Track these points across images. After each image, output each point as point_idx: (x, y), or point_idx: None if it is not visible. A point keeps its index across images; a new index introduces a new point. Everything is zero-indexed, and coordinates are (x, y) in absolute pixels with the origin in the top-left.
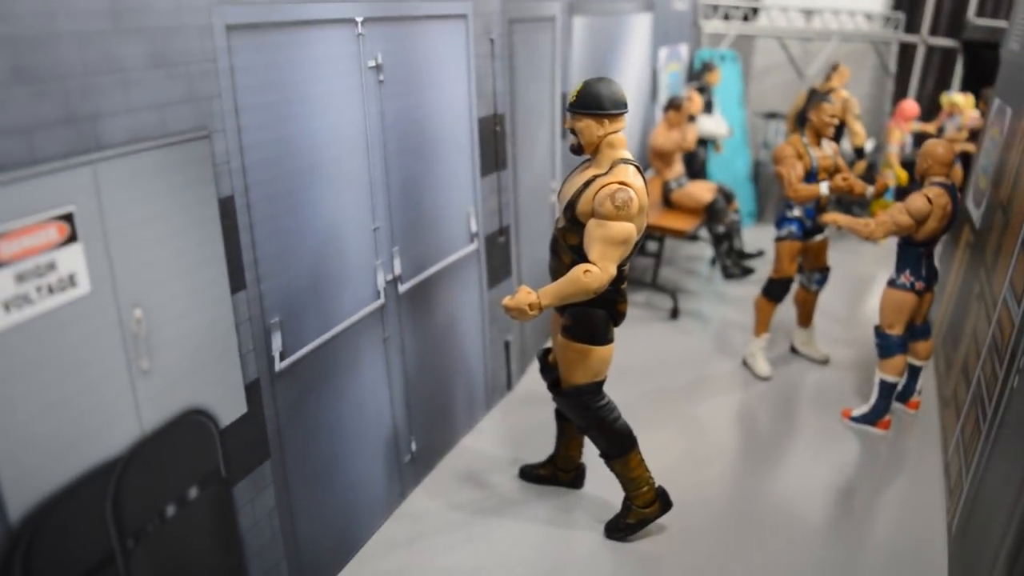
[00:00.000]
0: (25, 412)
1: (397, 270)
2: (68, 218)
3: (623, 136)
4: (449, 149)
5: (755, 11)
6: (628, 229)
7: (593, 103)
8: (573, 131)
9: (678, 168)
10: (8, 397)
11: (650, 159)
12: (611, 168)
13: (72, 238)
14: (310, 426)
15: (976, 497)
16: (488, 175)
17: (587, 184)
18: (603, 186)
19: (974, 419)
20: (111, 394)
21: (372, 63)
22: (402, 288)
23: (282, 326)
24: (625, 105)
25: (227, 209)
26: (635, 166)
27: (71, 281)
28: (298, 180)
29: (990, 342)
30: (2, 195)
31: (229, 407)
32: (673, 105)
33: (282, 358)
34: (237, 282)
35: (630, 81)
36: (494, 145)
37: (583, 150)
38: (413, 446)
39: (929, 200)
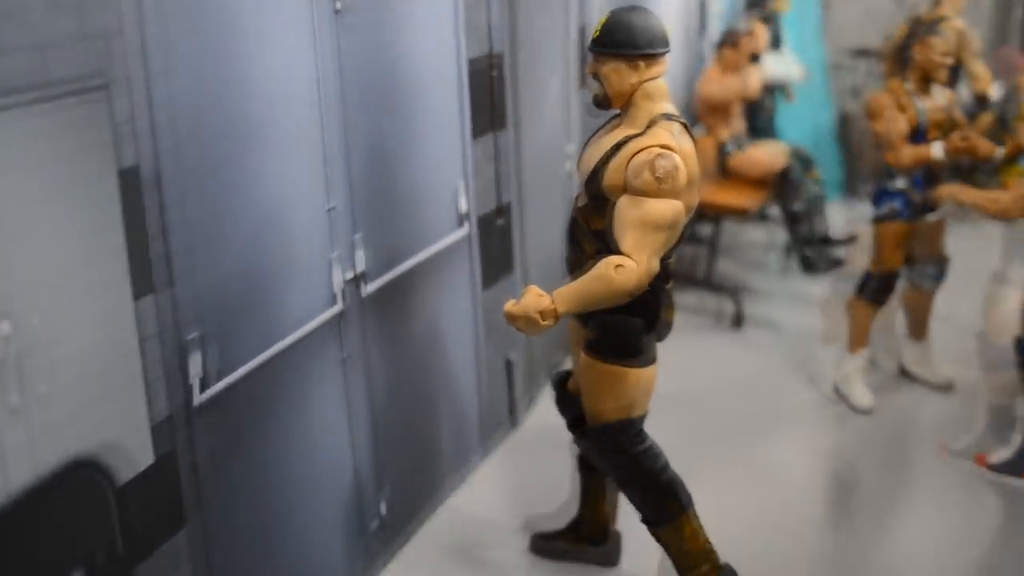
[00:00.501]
0: None
1: (360, 265)
2: None
3: (664, 84)
4: (430, 102)
5: None
6: (674, 208)
7: (624, 40)
8: (596, 77)
9: (737, 125)
10: None
11: (699, 113)
12: (648, 126)
13: None
14: (242, 481)
15: None
16: (482, 136)
17: (617, 148)
18: (639, 150)
19: None
20: None
21: None
22: (367, 289)
23: (203, 343)
24: (666, 42)
25: (130, 184)
26: (681, 123)
27: None
28: (227, 145)
29: None
30: None
31: (130, 456)
32: (729, 41)
33: (203, 387)
34: (142, 284)
35: (669, 9)
36: (490, 96)
37: (611, 103)
38: (383, 507)
39: None
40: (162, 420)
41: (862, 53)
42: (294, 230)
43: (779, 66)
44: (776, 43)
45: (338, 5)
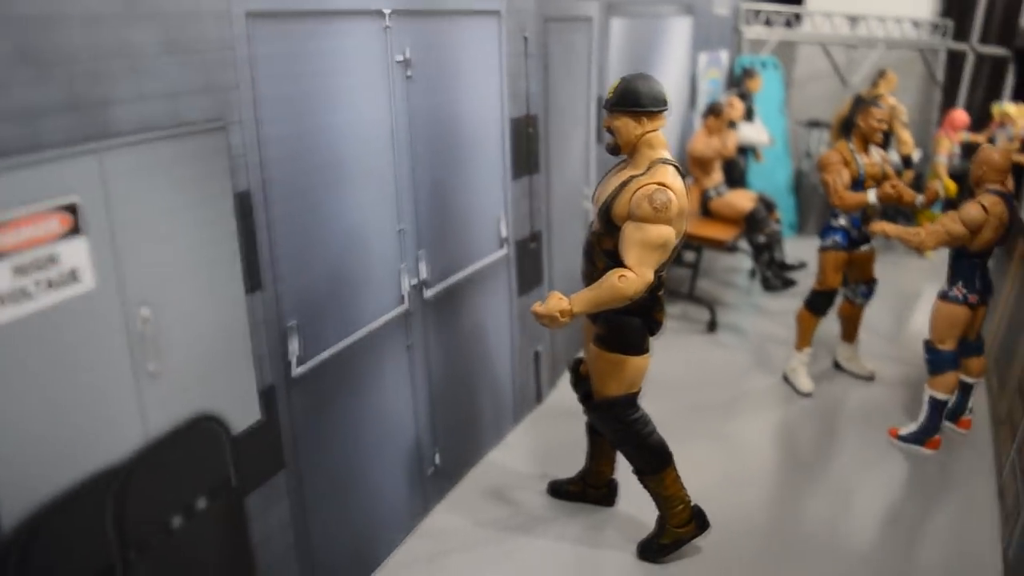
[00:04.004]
0: (22, 413)
1: (423, 274)
2: (71, 209)
3: (662, 135)
4: (479, 150)
5: (798, 17)
6: (667, 232)
7: (631, 100)
8: (610, 130)
9: (717, 176)
10: (4, 397)
11: (688, 167)
12: (649, 168)
13: (75, 230)
14: (328, 436)
15: None
16: (520, 178)
17: (624, 185)
18: (641, 187)
19: None
20: (114, 397)
21: (400, 57)
22: (428, 293)
23: (300, 329)
24: (665, 102)
25: (243, 205)
26: (675, 166)
27: (73, 276)
28: (319, 177)
29: None
30: (1, 182)
31: (242, 413)
32: (713, 111)
33: (299, 363)
34: (253, 282)
35: (669, 86)
36: (526, 147)
37: (620, 150)
38: (437, 459)
39: (984, 209)
40: (267, 387)
41: (814, 124)
42: (371, 245)
43: (751, 133)
44: (749, 115)
45: (409, 72)
